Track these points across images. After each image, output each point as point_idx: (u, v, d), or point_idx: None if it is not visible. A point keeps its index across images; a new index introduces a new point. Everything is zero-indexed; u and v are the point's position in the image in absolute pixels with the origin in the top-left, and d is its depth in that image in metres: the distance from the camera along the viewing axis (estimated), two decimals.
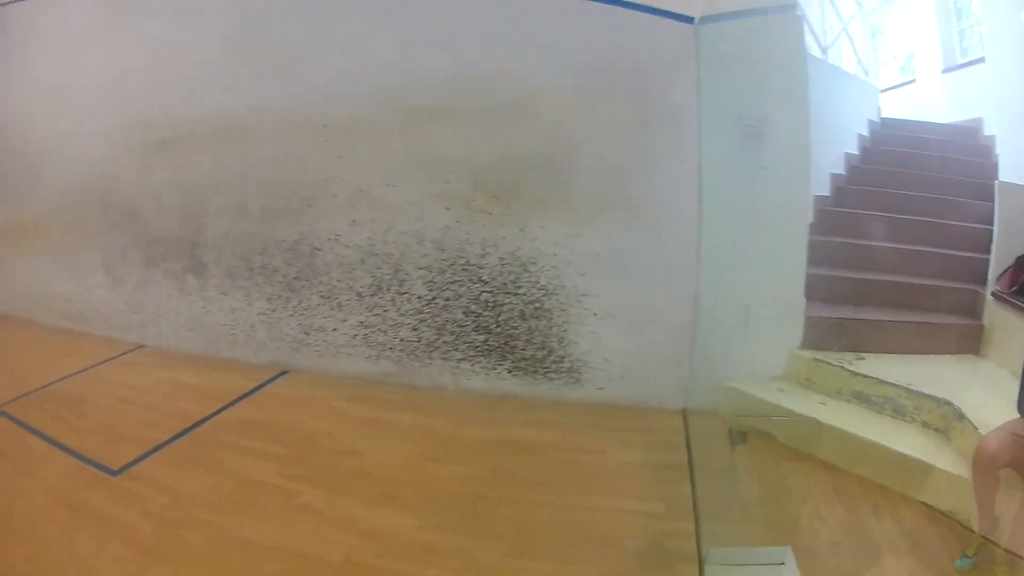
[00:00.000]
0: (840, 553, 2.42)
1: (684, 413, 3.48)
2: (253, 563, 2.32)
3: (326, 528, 2.52)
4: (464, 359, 3.74)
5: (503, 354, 3.68)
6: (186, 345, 4.32)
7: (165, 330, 4.39)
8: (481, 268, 3.63)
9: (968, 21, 5.12)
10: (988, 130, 4.66)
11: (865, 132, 5.04)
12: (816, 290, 3.59)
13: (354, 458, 3.08)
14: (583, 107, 3.42)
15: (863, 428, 2.97)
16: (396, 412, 3.58)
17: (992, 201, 3.69)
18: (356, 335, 3.90)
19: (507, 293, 3.62)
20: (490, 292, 3.63)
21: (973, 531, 2.39)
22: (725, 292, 3.35)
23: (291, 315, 4.02)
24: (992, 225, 3.62)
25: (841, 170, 4.59)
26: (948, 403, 2.88)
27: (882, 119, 5.36)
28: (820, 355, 3.41)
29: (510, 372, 3.69)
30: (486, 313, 3.66)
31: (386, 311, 3.82)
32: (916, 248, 3.93)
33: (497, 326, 3.66)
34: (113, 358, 4.25)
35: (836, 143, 4.63)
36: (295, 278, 3.97)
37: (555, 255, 3.53)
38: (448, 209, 3.62)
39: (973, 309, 3.58)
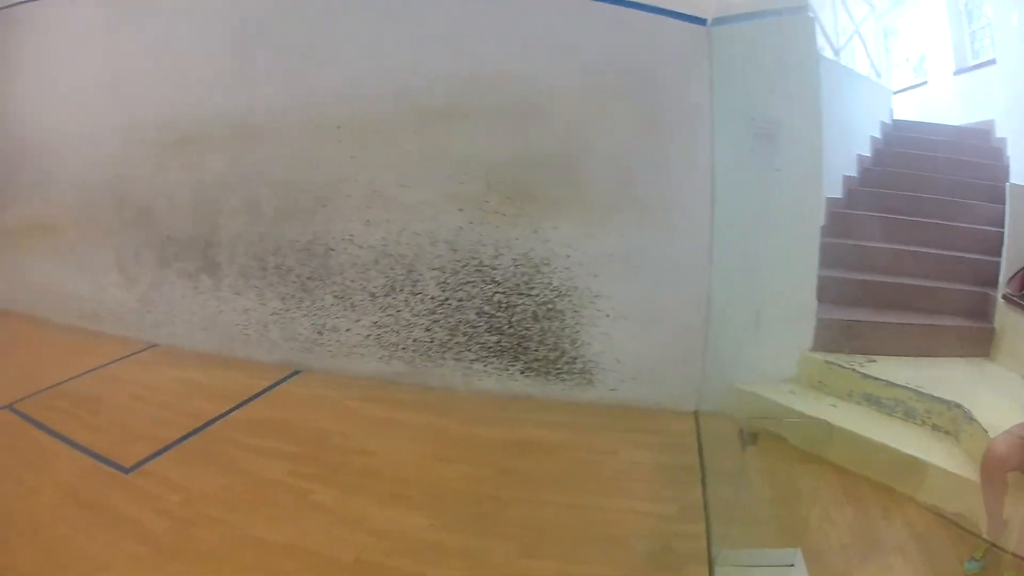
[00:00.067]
0: (849, 555, 2.42)
1: (696, 415, 3.48)
2: (266, 561, 2.34)
3: (338, 527, 2.53)
4: (477, 360, 3.74)
5: (515, 355, 3.68)
6: (199, 344, 4.34)
7: (179, 329, 4.41)
8: (494, 269, 3.64)
9: (979, 23, 5.09)
10: (999, 132, 4.64)
11: (877, 134, 5.02)
12: (827, 292, 3.57)
13: (366, 458, 3.09)
14: (597, 108, 3.42)
15: (873, 431, 2.96)
16: (408, 412, 3.59)
17: (1003, 203, 3.68)
18: (369, 335, 3.91)
19: (520, 294, 3.62)
20: (503, 293, 3.64)
21: (980, 535, 2.38)
22: (737, 294, 3.36)
23: (304, 315, 4.03)
24: (1003, 228, 3.61)
25: (853, 172, 4.57)
26: (958, 406, 2.87)
27: (894, 121, 5.35)
28: (831, 357, 3.40)
29: (522, 373, 3.69)
30: (499, 314, 3.67)
31: (399, 311, 3.83)
32: (927, 250, 3.92)
33: (510, 327, 3.67)
34: (126, 357, 4.26)
35: (848, 145, 4.61)
36: (309, 278, 3.99)
37: (568, 256, 3.53)
38: (461, 210, 3.63)
39: (984, 312, 3.57)
